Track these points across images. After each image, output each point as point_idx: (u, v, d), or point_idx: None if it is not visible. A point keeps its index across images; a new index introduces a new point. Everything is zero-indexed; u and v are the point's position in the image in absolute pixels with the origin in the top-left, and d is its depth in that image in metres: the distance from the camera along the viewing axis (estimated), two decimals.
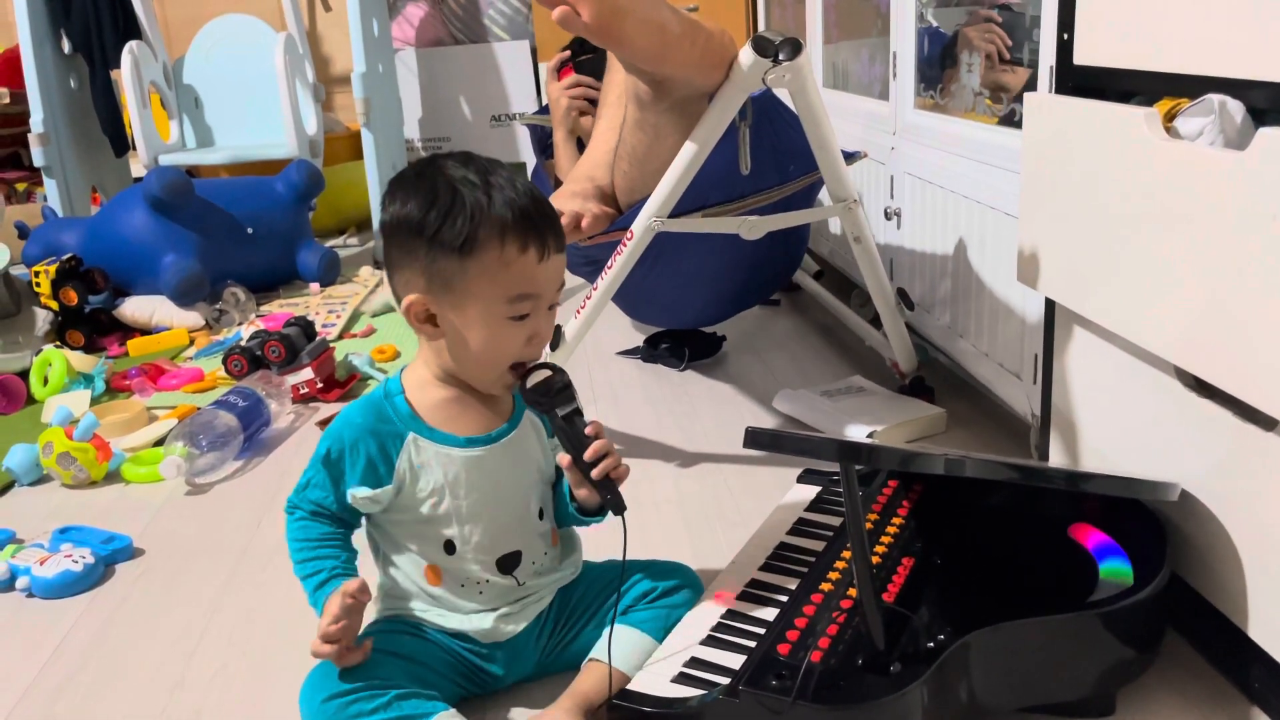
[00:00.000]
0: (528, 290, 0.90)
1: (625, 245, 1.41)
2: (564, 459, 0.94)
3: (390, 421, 0.94)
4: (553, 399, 0.93)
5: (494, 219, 0.87)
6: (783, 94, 1.43)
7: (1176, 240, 0.87)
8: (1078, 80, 1.07)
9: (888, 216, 1.81)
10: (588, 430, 0.93)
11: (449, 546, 0.96)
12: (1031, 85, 1.24)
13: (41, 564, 1.27)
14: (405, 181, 0.91)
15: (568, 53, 1.88)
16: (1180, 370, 0.93)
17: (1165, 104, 0.92)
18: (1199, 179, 0.84)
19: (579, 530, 1.06)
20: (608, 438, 0.94)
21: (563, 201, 1.46)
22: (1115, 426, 1.06)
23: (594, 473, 0.92)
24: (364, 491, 0.93)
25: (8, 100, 3.38)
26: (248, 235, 2.55)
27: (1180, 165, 0.86)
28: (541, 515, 1.00)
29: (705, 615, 0.98)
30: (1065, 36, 1.07)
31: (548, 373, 0.93)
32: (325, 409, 1.83)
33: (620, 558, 0.94)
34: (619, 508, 0.93)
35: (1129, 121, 0.92)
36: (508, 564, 0.97)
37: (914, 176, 1.70)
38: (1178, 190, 0.86)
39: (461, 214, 0.87)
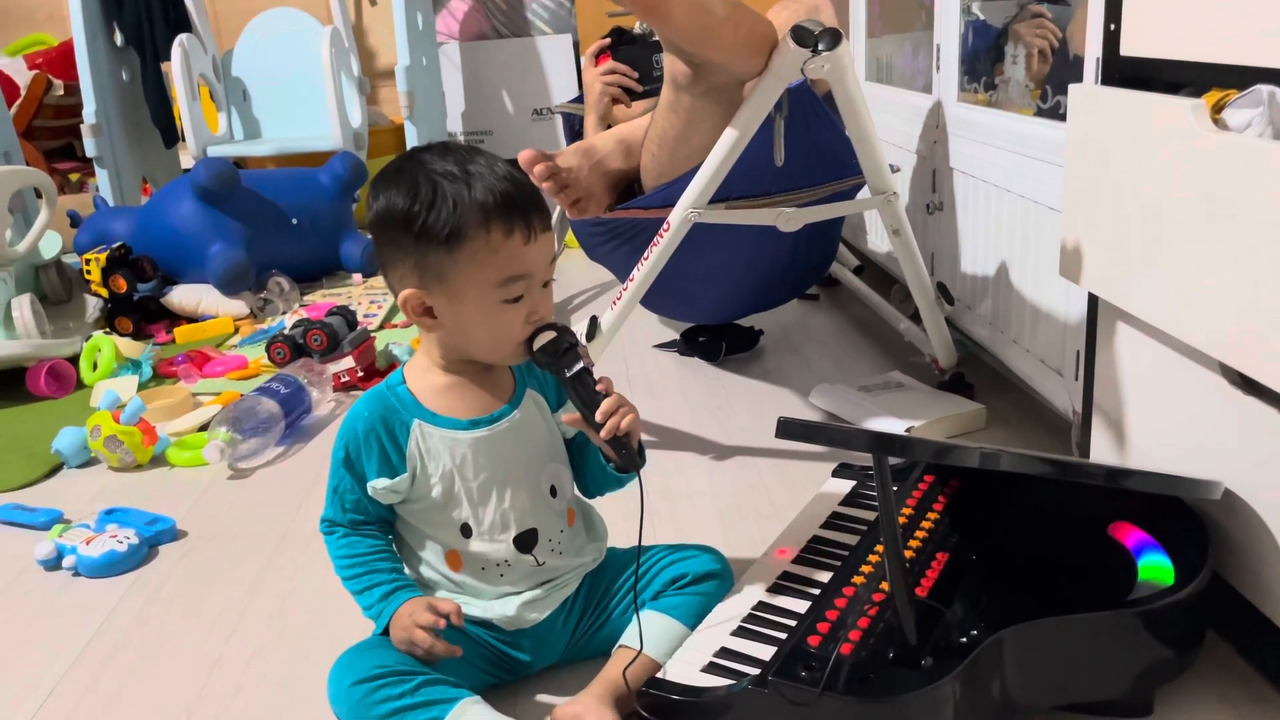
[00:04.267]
0: (518, 271, 0.90)
1: (662, 236, 1.41)
2: (573, 417, 0.94)
3: (395, 410, 0.96)
4: (559, 359, 0.92)
5: (476, 207, 0.88)
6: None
7: (1224, 234, 0.85)
8: (1124, 71, 1.05)
9: (929, 210, 1.79)
10: (598, 387, 0.93)
11: (465, 530, 0.97)
12: (1077, 76, 1.22)
13: (87, 544, 1.30)
14: (387, 178, 0.92)
15: (607, 40, 1.89)
16: (1225, 367, 0.91)
17: (1213, 95, 0.90)
18: (1248, 171, 0.82)
19: (605, 516, 1.07)
20: (619, 394, 0.93)
21: (566, 155, 1.50)
22: (1158, 424, 1.04)
23: (603, 432, 0.91)
24: (383, 483, 0.95)
25: (62, 92, 3.45)
26: (292, 226, 2.58)
27: (1228, 157, 0.84)
28: (554, 493, 1.00)
29: (737, 605, 0.98)
30: (1112, 27, 1.05)
31: (553, 334, 0.93)
32: None
33: (648, 544, 0.94)
34: (632, 463, 0.93)
35: (1176, 113, 0.90)
36: (525, 543, 0.98)
37: (957, 170, 1.68)
38: (1226, 183, 0.85)
39: (444, 206, 0.88)
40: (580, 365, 0.93)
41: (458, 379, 0.97)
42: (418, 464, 0.95)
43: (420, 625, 0.90)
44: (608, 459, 0.97)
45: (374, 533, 0.98)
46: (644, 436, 1.56)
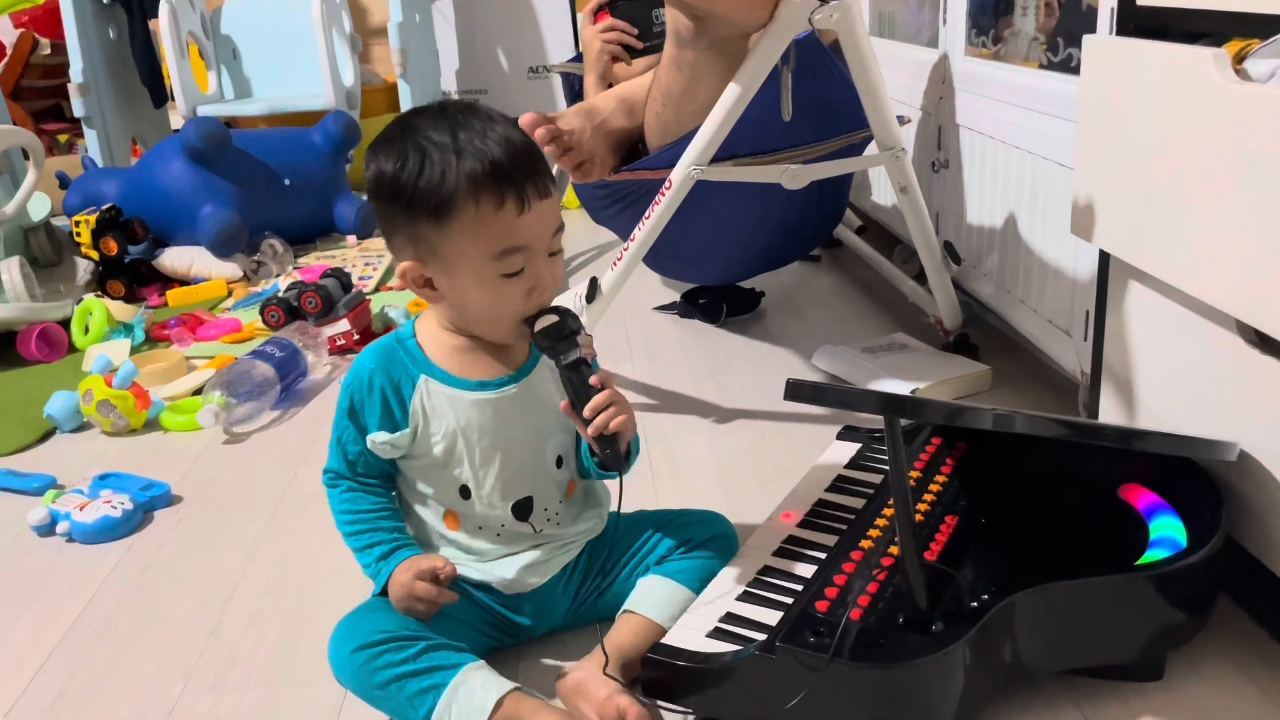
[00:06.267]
0: (512, 244, 0.86)
1: (664, 194, 1.38)
2: (565, 405, 0.90)
3: (402, 364, 0.94)
4: (557, 344, 0.89)
5: (465, 178, 0.84)
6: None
7: (1244, 188, 0.83)
8: (1140, 21, 1.02)
9: (934, 168, 1.76)
10: (593, 380, 0.89)
11: (464, 491, 0.95)
12: (1090, 27, 1.19)
13: (81, 509, 1.28)
14: (379, 144, 0.88)
15: None
16: (1242, 325, 0.89)
17: (1234, 44, 0.88)
18: (1270, 123, 0.79)
19: (609, 482, 1.05)
20: (615, 389, 0.90)
21: (568, 118, 1.47)
22: (1170, 384, 1.02)
23: (590, 429, 0.88)
24: (383, 436, 0.93)
25: (48, 51, 3.39)
26: (285, 187, 2.54)
27: (1250, 109, 0.81)
28: (559, 464, 0.98)
29: (742, 570, 0.96)
30: None
31: (555, 318, 0.89)
32: None
33: (651, 508, 0.92)
34: (616, 464, 0.90)
35: (1196, 63, 0.87)
36: (521, 510, 0.96)
37: (963, 126, 1.64)
38: (1247, 135, 0.82)
39: (432, 177, 0.84)
40: (576, 354, 0.89)
41: (469, 340, 0.94)
42: (420, 420, 0.93)
43: (420, 577, 0.89)
44: (593, 453, 0.93)
45: (377, 488, 0.96)
46: (645, 400, 1.57)
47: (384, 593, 0.92)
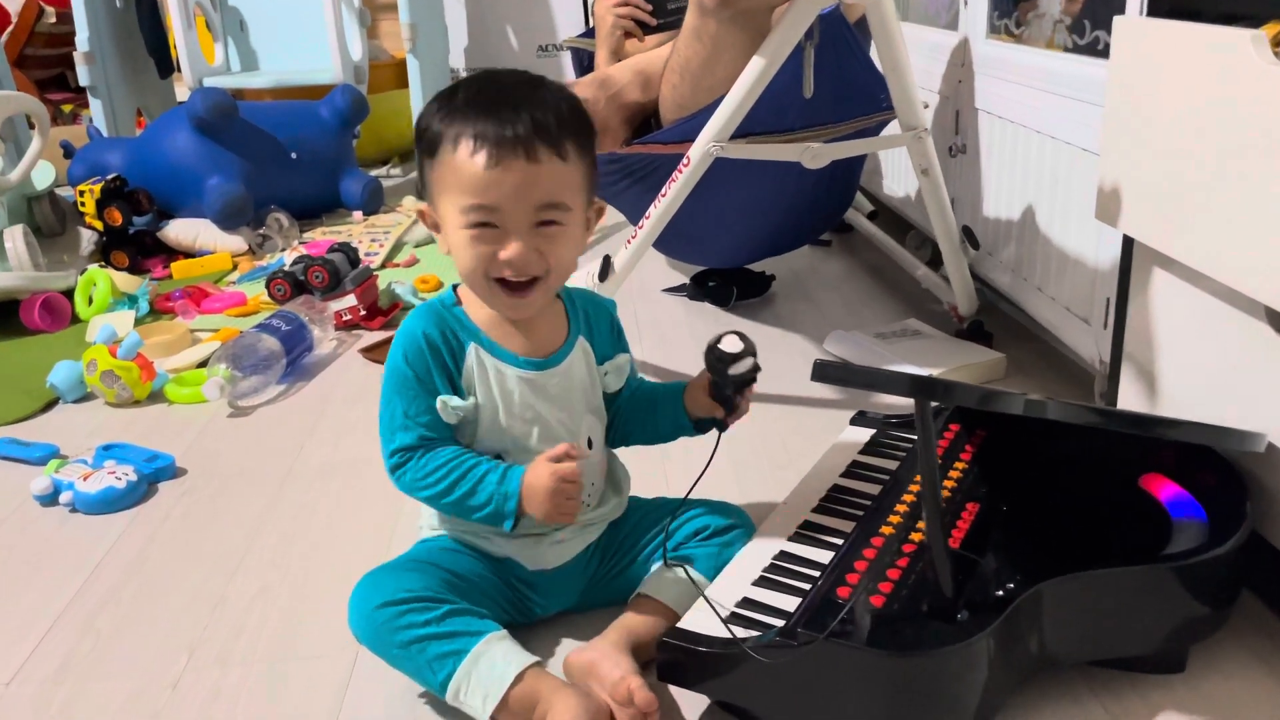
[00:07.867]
0: (477, 200, 0.84)
1: (681, 171, 1.36)
2: (708, 395, 0.94)
3: (452, 330, 0.92)
4: (737, 376, 0.91)
5: (454, 118, 0.84)
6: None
7: None
8: (1173, 2, 1.00)
9: (951, 153, 1.73)
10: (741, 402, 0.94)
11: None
12: (1119, 9, 1.17)
13: (85, 480, 1.26)
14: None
15: None
16: (1271, 313, 0.87)
17: (1273, 26, 0.86)
18: None
19: (629, 466, 1.04)
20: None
21: (582, 86, 1.47)
22: (1193, 373, 1.01)
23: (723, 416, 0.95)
24: (455, 400, 0.90)
25: (54, 20, 3.36)
26: (291, 160, 2.52)
27: None
28: (590, 445, 0.97)
29: (757, 555, 0.95)
30: None
31: (740, 345, 0.91)
32: (368, 336, 1.81)
33: (670, 496, 0.90)
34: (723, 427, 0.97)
35: (1233, 45, 0.85)
36: None
37: (982, 110, 1.62)
38: None
39: (440, 115, 0.86)
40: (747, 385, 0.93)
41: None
42: (474, 387, 0.91)
43: (553, 459, 0.86)
44: (688, 406, 0.97)
45: (450, 442, 0.92)
46: (654, 381, 1.55)
47: (518, 513, 0.88)
